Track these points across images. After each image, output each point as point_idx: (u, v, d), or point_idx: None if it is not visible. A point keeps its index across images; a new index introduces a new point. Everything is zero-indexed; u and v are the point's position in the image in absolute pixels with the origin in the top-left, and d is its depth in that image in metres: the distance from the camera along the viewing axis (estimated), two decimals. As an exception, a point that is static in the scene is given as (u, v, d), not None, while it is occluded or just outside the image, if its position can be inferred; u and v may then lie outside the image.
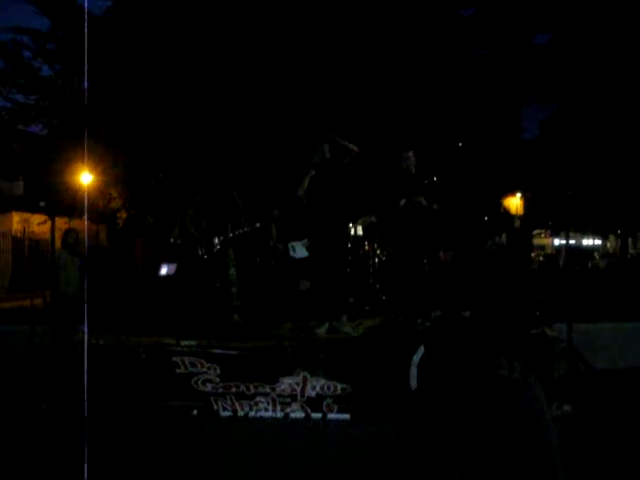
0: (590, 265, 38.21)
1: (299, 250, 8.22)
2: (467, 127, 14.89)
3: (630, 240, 49.72)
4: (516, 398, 3.05)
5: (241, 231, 7.81)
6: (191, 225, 7.87)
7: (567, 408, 6.46)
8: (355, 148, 7.90)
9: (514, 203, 30.03)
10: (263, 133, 12.95)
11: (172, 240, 8.34)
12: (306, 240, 8.37)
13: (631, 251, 49.12)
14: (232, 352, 7.07)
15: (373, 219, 9.00)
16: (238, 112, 13.26)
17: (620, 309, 9.25)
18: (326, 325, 7.77)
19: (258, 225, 7.84)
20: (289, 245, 8.35)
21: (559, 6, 17.26)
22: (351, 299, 8.39)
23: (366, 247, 9.36)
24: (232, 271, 7.92)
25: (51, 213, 9.19)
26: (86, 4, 7.76)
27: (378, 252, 9.26)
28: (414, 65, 14.36)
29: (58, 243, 9.49)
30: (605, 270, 33.80)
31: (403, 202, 8.26)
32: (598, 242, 61.36)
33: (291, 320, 8.19)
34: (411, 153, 8.50)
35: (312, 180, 7.82)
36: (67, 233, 10.10)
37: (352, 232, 9.00)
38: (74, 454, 4.69)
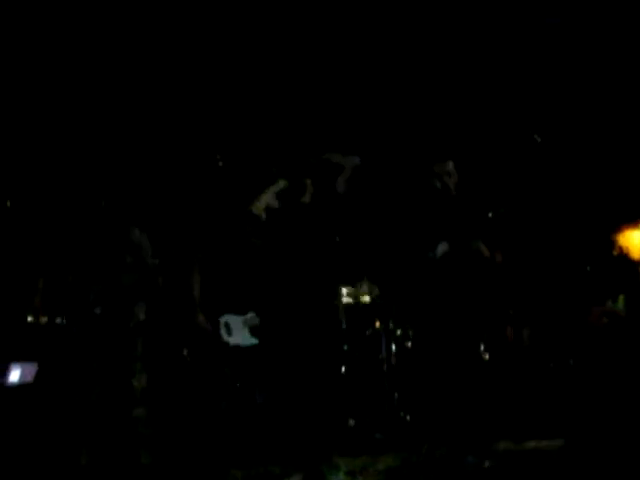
0: None
1: (237, 331, 5.02)
2: (555, 103, 8.30)
3: None
4: None
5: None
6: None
7: None
8: (354, 162, 4.93)
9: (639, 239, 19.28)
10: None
11: (31, 319, 5.15)
12: (253, 315, 5.06)
13: None
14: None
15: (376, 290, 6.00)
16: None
17: None
18: (302, 473, 4.67)
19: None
20: (221, 322, 5.06)
21: None
22: (350, 421, 5.36)
23: (376, 325, 5.95)
24: (140, 411, 4.38)
25: None
26: None
27: (397, 333, 5.91)
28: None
29: None
30: None
31: (442, 249, 4.96)
32: None
33: (241, 464, 4.93)
34: (450, 165, 5.14)
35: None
36: None
37: (347, 299, 5.85)
38: None
